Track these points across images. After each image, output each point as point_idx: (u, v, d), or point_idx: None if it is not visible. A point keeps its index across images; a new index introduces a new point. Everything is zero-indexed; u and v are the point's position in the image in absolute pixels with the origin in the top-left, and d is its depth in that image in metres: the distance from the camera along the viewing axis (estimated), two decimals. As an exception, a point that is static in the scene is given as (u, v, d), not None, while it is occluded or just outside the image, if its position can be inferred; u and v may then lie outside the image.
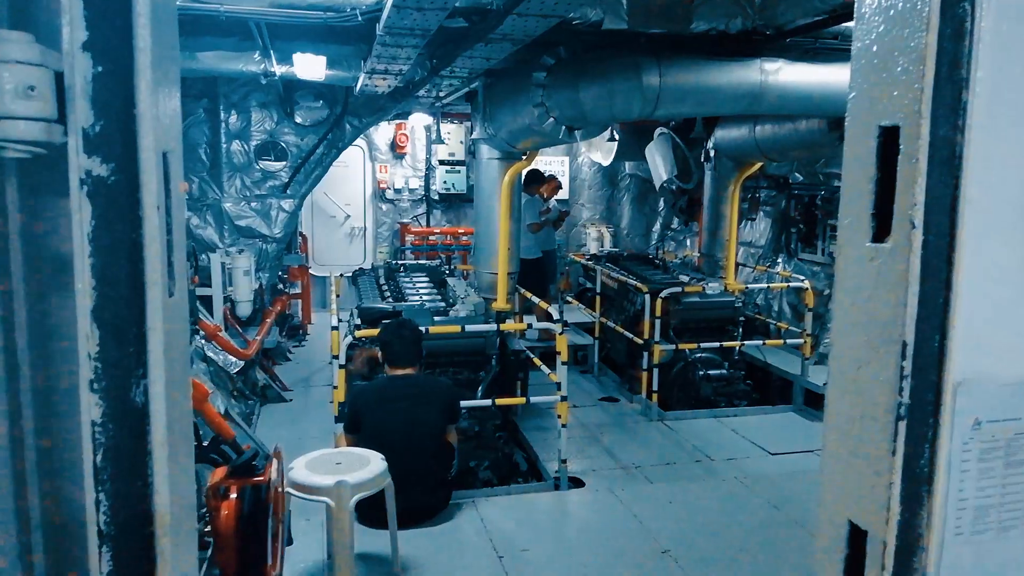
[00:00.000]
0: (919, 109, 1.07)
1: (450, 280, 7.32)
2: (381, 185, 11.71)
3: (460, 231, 11.72)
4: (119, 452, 0.90)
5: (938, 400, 1.19)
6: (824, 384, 5.44)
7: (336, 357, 4.90)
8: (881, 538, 1.21)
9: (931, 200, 1.09)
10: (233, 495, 2.69)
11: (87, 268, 0.90)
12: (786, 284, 8.01)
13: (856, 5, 1.19)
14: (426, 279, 7.39)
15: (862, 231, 1.18)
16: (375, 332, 5.12)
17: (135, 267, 0.92)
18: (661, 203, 11.65)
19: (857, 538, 1.27)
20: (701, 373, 7.07)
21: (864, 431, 1.23)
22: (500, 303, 6.57)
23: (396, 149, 11.68)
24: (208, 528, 2.70)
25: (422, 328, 4.67)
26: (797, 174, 8.59)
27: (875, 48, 1.16)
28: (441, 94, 7.65)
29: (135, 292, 0.92)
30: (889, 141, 1.13)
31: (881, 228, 1.16)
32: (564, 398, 5.09)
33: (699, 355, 7.13)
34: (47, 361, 0.95)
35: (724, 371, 7.18)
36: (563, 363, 5.12)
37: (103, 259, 0.90)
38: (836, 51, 5.16)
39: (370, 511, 3.80)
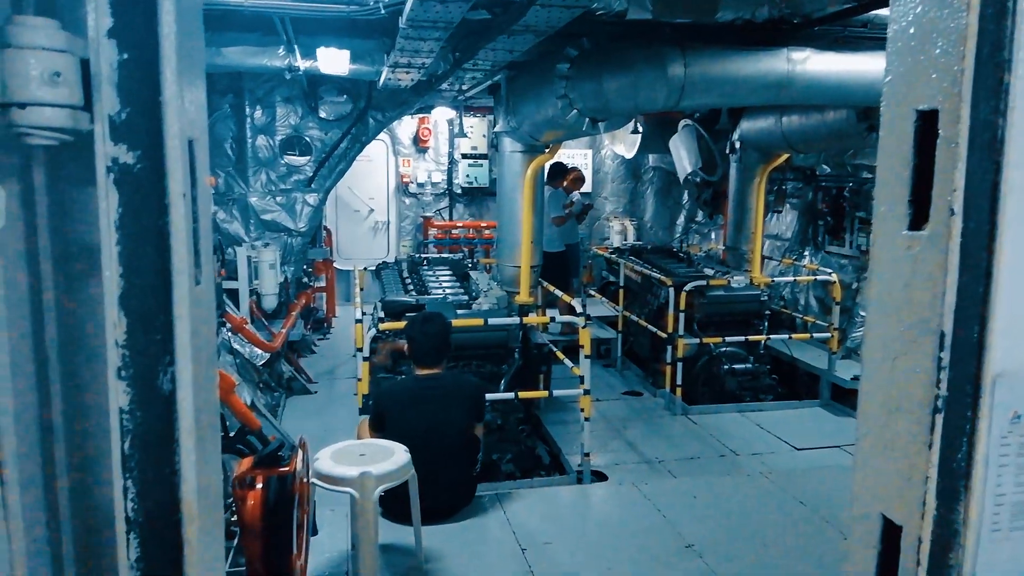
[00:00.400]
0: (959, 92, 1.03)
1: (473, 273, 7.32)
2: (404, 179, 11.74)
3: (483, 225, 11.72)
4: (147, 439, 0.90)
5: (976, 392, 1.15)
6: (852, 379, 5.37)
7: (360, 350, 4.92)
8: (916, 534, 1.18)
9: (971, 186, 1.06)
10: (259, 485, 2.70)
11: (114, 256, 0.90)
12: (813, 277, 7.91)
13: (893, -15, 1.15)
14: (449, 272, 7.40)
15: (898, 219, 1.15)
16: (399, 325, 5.14)
17: (162, 255, 0.91)
18: (685, 196, 11.55)
19: (891, 533, 1.24)
20: (726, 367, 7.01)
21: (899, 424, 1.20)
22: (523, 296, 6.56)
23: (419, 143, 11.70)
24: (234, 518, 2.73)
25: (444, 321, 4.65)
26: (824, 166, 8.46)
27: (912, 30, 1.12)
28: (464, 87, 7.63)
29: (162, 280, 0.92)
30: (927, 126, 1.10)
31: (918, 216, 1.13)
32: (587, 391, 5.07)
33: (724, 349, 7.06)
34: (75, 349, 0.96)
35: (749, 365, 7.11)
36: (586, 356, 5.09)
37: (130, 247, 0.90)
38: (865, 39, 5.06)
39: (394, 505, 3.81)
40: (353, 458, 3.36)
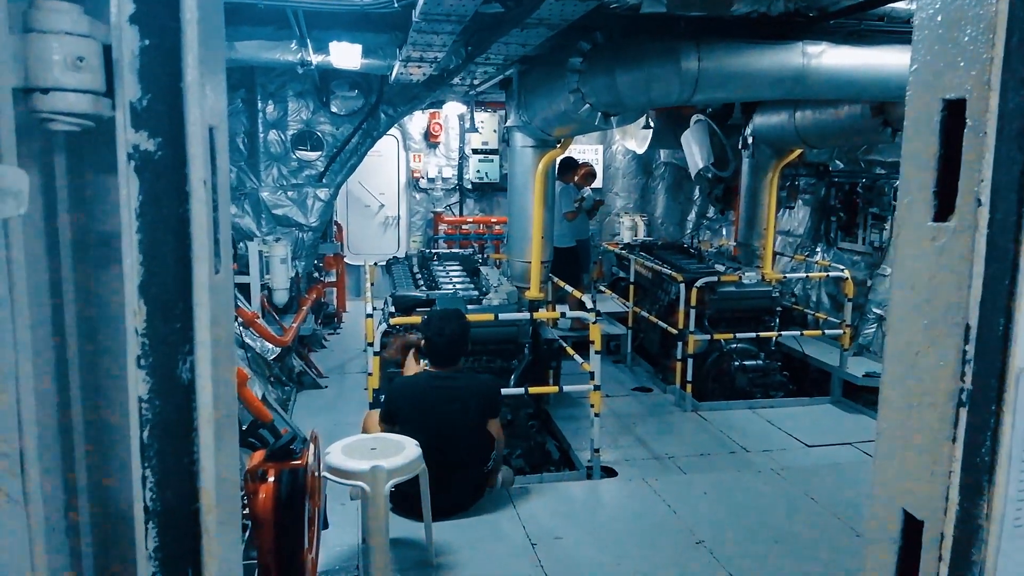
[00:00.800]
0: (988, 80, 1.02)
1: (483, 269, 7.31)
2: (415, 174, 11.74)
3: (493, 220, 11.72)
4: (166, 428, 0.89)
5: (1001, 386, 1.13)
6: (864, 375, 5.33)
7: (371, 344, 4.93)
8: (939, 529, 1.17)
9: (998, 176, 1.04)
10: (271, 478, 2.71)
11: (134, 244, 0.90)
12: (825, 274, 7.86)
13: (920, -28, 1.13)
14: (459, 268, 7.40)
15: (923, 210, 1.13)
16: (409, 320, 5.14)
17: (182, 243, 0.91)
18: (696, 191, 11.51)
19: (912, 528, 1.23)
20: (736, 364, 6.98)
21: (922, 418, 1.18)
22: (533, 292, 6.55)
23: (430, 138, 11.70)
24: (246, 511, 2.73)
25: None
26: (837, 161, 8.41)
27: (940, 18, 1.10)
28: (475, 82, 7.62)
29: (182, 268, 0.91)
30: (954, 115, 1.08)
31: (944, 207, 1.11)
32: (597, 387, 5.05)
33: (735, 345, 7.04)
34: (95, 337, 0.96)
35: (760, 362, 7.08)
36: (596, 352, 5.08)
37: (150, 235, 0.90)
38: (881, 33, 5.01)
39: (404, 501, 3.81)
40: (364, 452, 3.36)
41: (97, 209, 0.95)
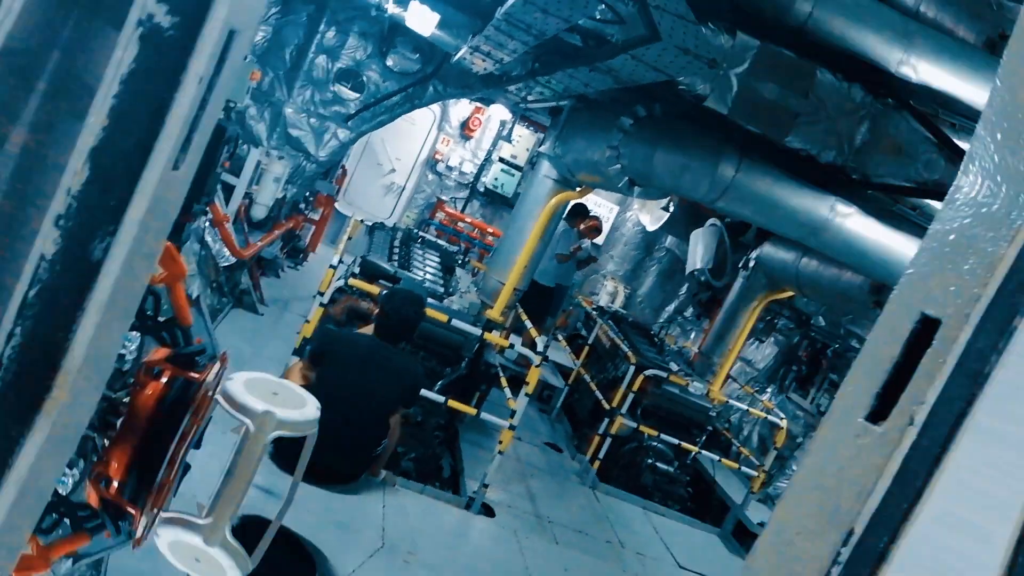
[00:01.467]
0: (968, 314, 1.02)
1: (459, 270, 7.28)
2: (436, 156, 11.71)
3: (489, 229, 11.70)
4: (54, 296, 0.85)
5: (861, 599, 1.13)
6: (759, 524, 5.35)
7: (321, 293, 4.86)
8: None
9: (939, 405, 1.05)
10: (164, 379, 2.63)
11: (106, 106, 0.86)
12: (764, 415, 7.93)
13: (951, 188, 1.14)
14: (437, 259, 7.36)
15: (861, 406, 1.14)
16: (368, 287, 5.09)
17: (152, 125, 0.88)
18: (684, 287, 11.61)
19: None
20: (650, 461, 7.00)
21: (777, 597, 1.17)
22: (494, 313, 6.53)
23: (465, 130, 11.70)
24: (125, 401, 2.65)
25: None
26: (821, 318, 8.54)
27: (951, 237, 1.11)
28: (529, 97, 7.64)
29: (141, 150, 0.88)
30: (925, 330, 1.09)
31: (879, 410, 1.12)
32: (512, 427, 5.03)
33: (655, 443, 7.05)
34: (26, 178, 0.91)
35: (671, 469, 7.10)
36: (526, 394, 5.06)
37: (124, 105, 0.86)
38: (910, 222, 5.11)
39: (286, 454, 3.74)
40: (266, 393, 3.28)
41: (86, 59, 0.91)
